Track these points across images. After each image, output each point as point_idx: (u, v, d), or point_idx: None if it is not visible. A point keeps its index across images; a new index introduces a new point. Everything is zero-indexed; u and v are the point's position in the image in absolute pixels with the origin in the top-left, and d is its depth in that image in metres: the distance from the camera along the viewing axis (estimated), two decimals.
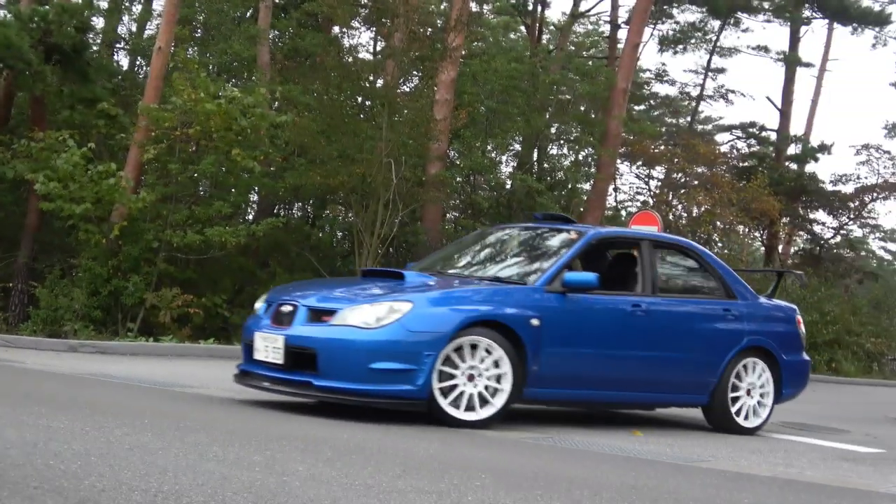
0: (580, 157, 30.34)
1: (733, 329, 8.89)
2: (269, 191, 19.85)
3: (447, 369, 7.19)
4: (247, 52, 22.33)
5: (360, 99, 20.88)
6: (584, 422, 9.00)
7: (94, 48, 23.50)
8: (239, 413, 7.06)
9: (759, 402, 9.02)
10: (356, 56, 24.54)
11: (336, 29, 25.88)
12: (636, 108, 35.07)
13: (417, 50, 19.63)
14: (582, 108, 29.53)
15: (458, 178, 24.70)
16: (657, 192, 31.10)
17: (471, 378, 7.28)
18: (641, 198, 32.67)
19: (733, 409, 8.87)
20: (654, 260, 8.80)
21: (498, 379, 7.38)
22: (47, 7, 17.78)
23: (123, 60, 30.02)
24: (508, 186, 26.81)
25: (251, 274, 18.88)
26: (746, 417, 8.96)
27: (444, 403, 7.17)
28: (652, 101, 37.79)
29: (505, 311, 7.55)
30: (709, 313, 8.95)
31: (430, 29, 22.27)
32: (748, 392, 8.94)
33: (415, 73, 23.80)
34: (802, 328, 9.56)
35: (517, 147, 29.26)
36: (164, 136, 16.43)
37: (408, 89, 23.30)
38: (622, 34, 28.82)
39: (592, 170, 28.11)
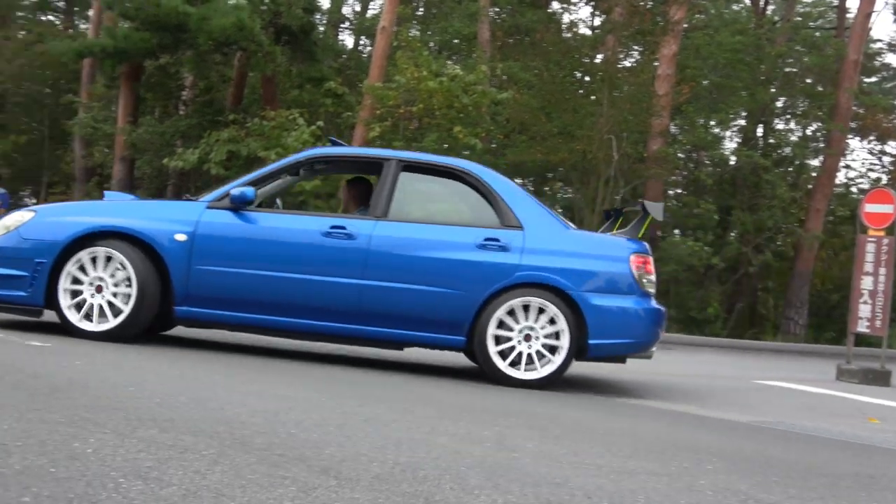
0: (808, 133, 29.26)
1: (497, 262, 7.38)
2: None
3: (78, 276, 7.14)
4: (467, 29, 22.53)
5: (579, 75, 20.74)
6: (807, 409, 8.71)
7: (321, 29, 24.16)
8: (461, 387, 7.13)
9: (539, 352, 7.35)
10: (575, 32, 24.37)
11: (555, 5, 25.80)
12: (867, 80, 33.54)
13: (638, 24, 19.36)
14: (809, 81, 28.47)
15: (680, 154, 24.27)
16: (892, 168, 29.70)
17: (99, 290, 7.13)
18: (874, 174, 31.23)
19: (499, 355, 7.34)
20: (397, 182, 7.71)
21: (127, 295, 7.13)
22: None
23: (348, 40, 30.83)
24: (732, 162, 26.14)
25: None
26: (518, 366, 7.34)
27: (69, 314, 7.09)
28: (884, 73, 36.04)
29: (138, 224, 7.25)
30: (458, 242, 7.47)
31: (650, 2, 21.90)
32: (527, 338, 7.34)
33: (635, 47, 23.47)
34: (637, 268, 7.56)
35: (741, 122, 28.47)
36: (389, 114, 16.76)
37: (628, 64, 22.98)
38: (851, 3, 27.66)
39: (821, 145, 27.08)
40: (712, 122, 26.59)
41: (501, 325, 7.34)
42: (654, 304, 7.64)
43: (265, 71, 18.37)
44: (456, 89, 16.39)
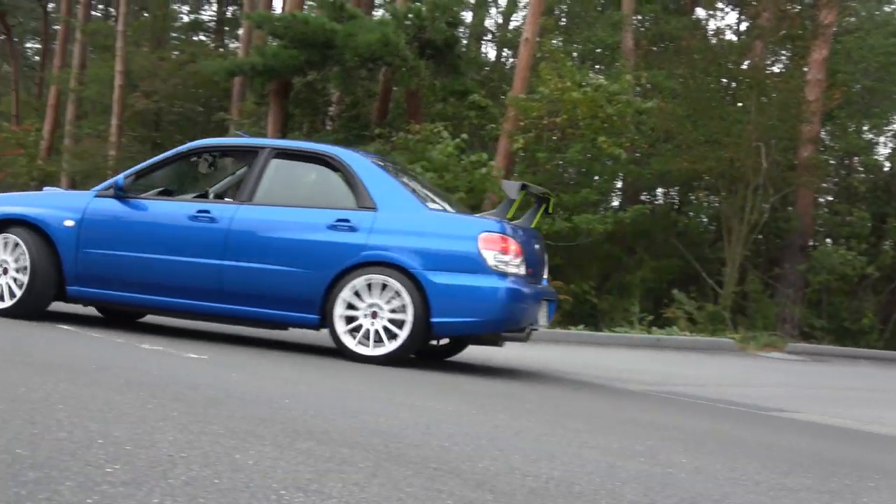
0: None
1: (345, 242, 7.57)
2: (634, 177, 19.79)
3: None
4: (611, 38, 22.40)
5: (726, 82, 20.40)
6: None
7: (464, 42, 24.33)
8: (614, 401, 7.08)
9: (386, 328, 7.41)
10: (721, 38, 23.97)
11: (700, 11, 25.42)
12: None
13: (786, 28, 18.95)
14: None
15: (831, 161, 23.63)
16: None
17: (5, 272, 7.99)
18: None
19: (346, 332, 7.48)
20: (266, 169, 8.09)
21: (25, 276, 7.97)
22: (420, 4, 18.56)
23: (491, 52, 30.94)
24: (887, 168, 25.33)
25: (618, 260, 18.92)
26: (363, 343, 7.45)
27: None
28: None
29: (37, 212, 8.08)
30: (311, 223, 7.74)
31: (798, 6, 21.41)
32: (374, 315, 7.44)
33: (783, 52, 22.98)
34: (487, 248, 7.42)
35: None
36: (532, 126, 16.77)
37: (776, 70, 22.51)
38: None
39: None
40: (865, 128, 25.83)
41: (351, 304, 7.50)
42: (507, 283, 7.44)
43: (409, 85, 18.56)
44: (600, 99, 16.30)
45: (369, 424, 4.36)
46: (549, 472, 3.74)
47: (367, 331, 7.46)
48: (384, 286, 7.43)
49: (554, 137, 17.54)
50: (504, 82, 22.69)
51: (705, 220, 23.33)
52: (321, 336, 8.16)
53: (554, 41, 24.41)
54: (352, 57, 17.47)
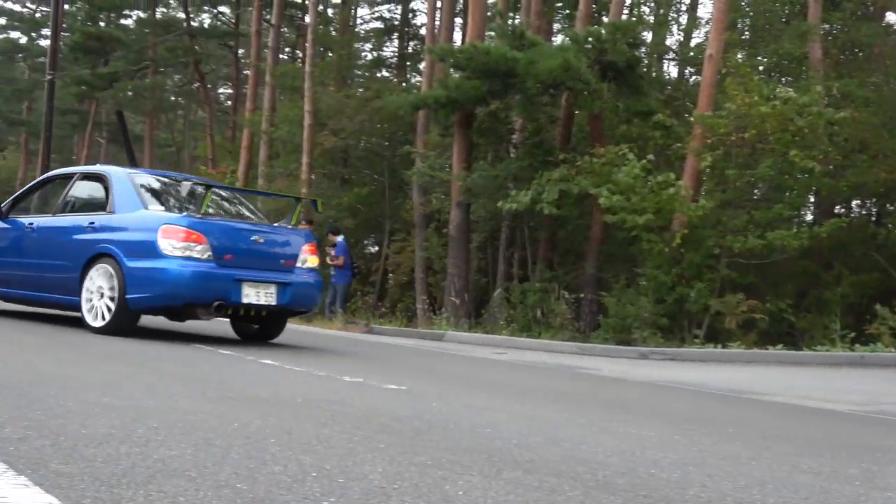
0: None
1: (90, 238, 9.77)
2: (828, 190, 19.13)
3: None
4: (798, 49, 21.76)
5: None
6: None
7: (645, 62, 24.07)
8: (820, 422, 6.85)
9: (108, 306, 9.42)
10: None
11: (892, 16, 24.50)
12: None
13: None
14: None
15: None
16: None
17: None
18: None
19: (87, 310, 9.62)
20: (75, 188, 10.68)
21: None
22: (600, 27, 18.48)
23: (672, 71, 30.54)
24: None
25: (814, 277, 18.33)
26: (95, 318, 9.53)
27: None
28: None
29: None
30: (77, 226, 10.10)
31: None
32: (101, 295, 9.49)
33: None
34: (168, 237, 9.23)
35: None
36: (720, 143, 16.45)
37: None
38: None
39: None
40: None
41: (89, 287, 9.64)
42: (179, 265, 9.16)
43: (592, 108, 18.45)
44: (789, 112, 15.86)
45: (573, 452, 4.34)
46: (763, 498, 3.64)
47: (97, 308, 9.53)
48: (108, 272, 9.44)
49: (743, 154, 17.13)
50: (688, 100, 22.34)
51: None
52: (511, 366, 8.19)
53: (738, 56, 23.91)
54: (533, 84, 17.51)
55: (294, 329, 14.18)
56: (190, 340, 9.86)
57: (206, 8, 45.50)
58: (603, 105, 18.33)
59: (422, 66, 29.92)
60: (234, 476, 3.21)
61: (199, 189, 9.98)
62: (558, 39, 25.27)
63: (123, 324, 9.42)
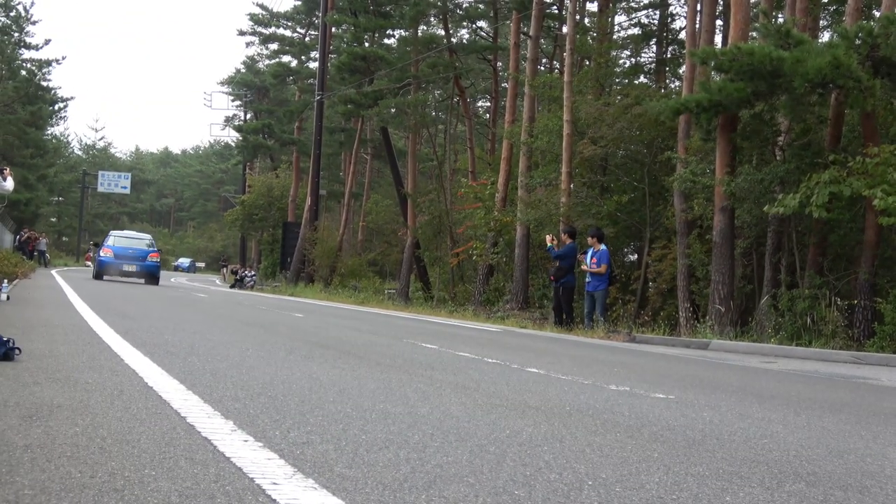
0: None
1: None
2: None
3: None
4: None
5: None
6: None
7: None
8: None
9: None
10: None
11: None
12: None
13: None
14: None
15: None
16: None
17: None
18: None
19: None
20: None
21: None
22: (871, 22, 17.66)
23: None
24: None
25: None
26: None
27: None
28: None
29: None
30: None
31: None
32: None
33: None
34: None
35: None
36: None
37: None
38: None
39: None
40: None
41: None
42: None
43: (864, 107, 17.61)
44: None
45: (858, 465, 4.14)
46: None
47: None
48: None
49: None
50: None
51: None
52: (782, 376, 7.89)
53: None
54: (801, 83, 16.89)
55: (555, 338, 14.25)
56: (457, 349, 10.05)
57: (464, 24, 46.42)
58: (876, 103, 17.46)
59: (681, 70, 29.42)
60: (512, 483, 3.22)
61: None
62: (825, 36, 24.31)
63: None
